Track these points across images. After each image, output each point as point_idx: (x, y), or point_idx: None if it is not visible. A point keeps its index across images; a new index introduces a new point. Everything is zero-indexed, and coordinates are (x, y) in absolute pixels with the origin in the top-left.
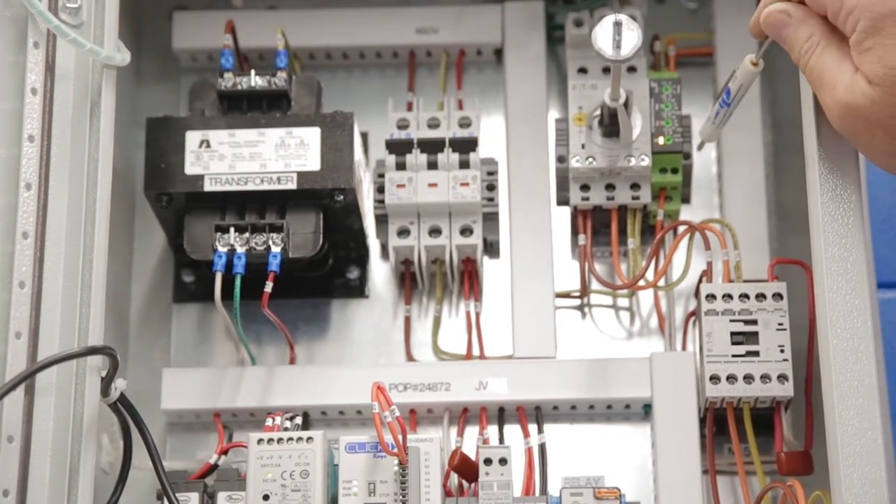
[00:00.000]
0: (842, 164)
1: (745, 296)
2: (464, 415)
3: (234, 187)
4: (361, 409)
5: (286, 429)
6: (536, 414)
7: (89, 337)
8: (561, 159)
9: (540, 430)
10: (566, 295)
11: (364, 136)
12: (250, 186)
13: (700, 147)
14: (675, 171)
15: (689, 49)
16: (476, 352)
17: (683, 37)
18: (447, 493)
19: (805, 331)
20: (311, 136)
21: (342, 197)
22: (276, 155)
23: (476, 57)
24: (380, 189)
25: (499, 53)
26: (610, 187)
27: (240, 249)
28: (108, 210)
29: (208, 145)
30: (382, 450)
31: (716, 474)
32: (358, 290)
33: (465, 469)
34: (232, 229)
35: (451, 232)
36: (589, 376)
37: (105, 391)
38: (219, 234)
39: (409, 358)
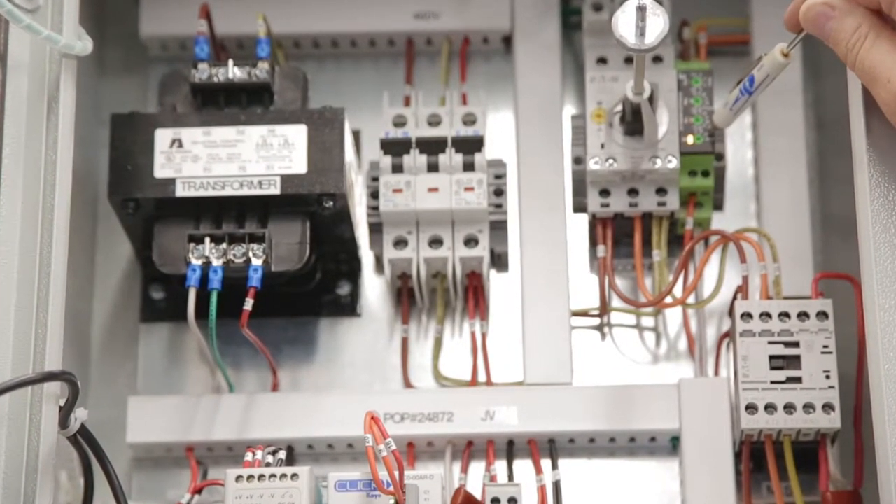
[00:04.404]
0: (894, 167)
1: (785, 314)
2: (468, 448)
3: (210, 192)
4: (353, 442)
5: (268, 464)
6: (550, 448)
7: (46, 361)
8: (578, 161)
9: (554, 466)
10: (584, 314)
11: (356, 134)
12: (228, 191)
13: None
14: (705, 174)
15: (722, 36)
16: (482, 377)
17: (716, 22)
18: None
19: (853, 354)
20: (297, 134)
21: (331, 203)
22: (258, 156)
23: (482, 45)
24: (374, 194)
25: (508, 41)
26: (633, 192)
27: (216, 262)
28: (68, 218)
29: (180, 145)
30: (377, 488)
31: None
32: (349, 307)
33: None
34: (207, 240)
35: (454, 242)
36: (609, 405)
37: (64, 422)
38: (192, 245)
39: (407, 384)
